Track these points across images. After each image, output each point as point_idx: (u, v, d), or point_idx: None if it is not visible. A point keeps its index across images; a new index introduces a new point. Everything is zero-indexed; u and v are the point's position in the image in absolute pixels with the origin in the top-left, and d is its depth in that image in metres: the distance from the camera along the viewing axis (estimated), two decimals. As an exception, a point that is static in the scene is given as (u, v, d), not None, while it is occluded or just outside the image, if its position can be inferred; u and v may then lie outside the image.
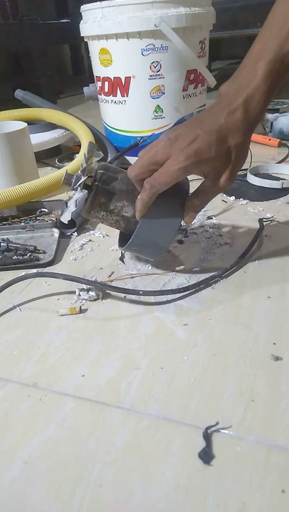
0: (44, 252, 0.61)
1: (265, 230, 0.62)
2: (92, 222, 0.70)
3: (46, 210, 0.74)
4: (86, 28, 0.86)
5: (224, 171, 0.45)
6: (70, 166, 0.79)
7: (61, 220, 0.50)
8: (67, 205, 0.53)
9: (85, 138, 0.90)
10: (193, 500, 0.29)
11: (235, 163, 0.45)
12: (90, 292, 0.51)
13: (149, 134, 0.86)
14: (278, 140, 1.00)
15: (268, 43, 0.43)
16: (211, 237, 0.62)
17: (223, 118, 0.43)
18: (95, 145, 0.49)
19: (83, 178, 0.47)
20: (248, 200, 0.73)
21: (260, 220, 0.63)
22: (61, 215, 0.52)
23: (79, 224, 0.67)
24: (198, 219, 0.68)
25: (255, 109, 0.43)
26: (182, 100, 0.88)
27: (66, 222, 0.50)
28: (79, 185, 0.47)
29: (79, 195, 0.48)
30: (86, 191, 0.49)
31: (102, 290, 0.51)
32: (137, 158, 0.48)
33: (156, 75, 0.84)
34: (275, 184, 0.76)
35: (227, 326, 0.45)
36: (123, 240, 0.54)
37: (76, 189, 0.48)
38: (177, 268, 0.55)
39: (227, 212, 0.69)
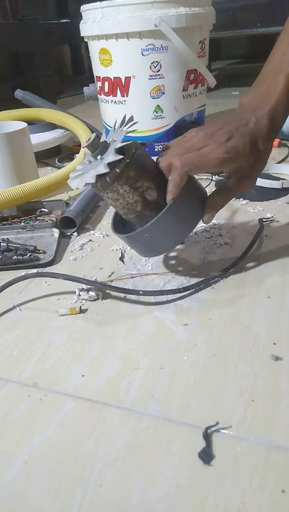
0: (44, 252, 0.61)
1: (265, 230, 0.62)
2: (92, 222, 0.70)
3: (46, 210, 0.74)
4: (86, 28, 0.86)
5: (249, 172, 0.47)
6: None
7: (85, 180, 0.44)
8: (90, 161, 0.47)
9: (85, 138, 0.90)
10: (193, 500, 0.29)
11: (258, 166, 0.47)
12: (90, 292, 0.51)
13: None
14: (278, 140, 1.00)
15: (286, 55, 0.45)
16: (211, 237, 0.62)
17: (252, 124, 0.45)
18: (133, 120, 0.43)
19: (120, 144, 0.43)
20: (248, 200, 0.73)
21: (260, 220, 0.63)
22: (82, 178, 0.44)
23: (79, 224, 0.67)
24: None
25: (278, 120, 0.46)
26: (182, 100, 0.88)
27: (89, 182, 0.44)
28: (116, 149, 0.43)
29: (112, 158, 0.42)
30: (120, 156, 0.43)
31: (102, 290, 0.51)
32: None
33: (156, 75, 0.84)
34: (275, 184, 0.76)
35: (227, 326, 0.45)
36: (121, 225, 0.50)
37: (97, 155, 0.45)
38: (177, 268, 0.55)
39: (227, 212, 0.69)
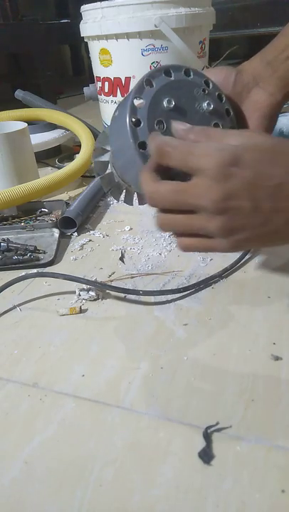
0: (44, 252, 0.61)
1: (265, 230, 0.62)
2: (92, 222, 0.70)
3: (46, 210, 0.74)
4: (86, 28, 0.86)
5: None
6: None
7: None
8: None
9: (85, 138, 0.90)
10: (193, 500, 0.29)
11: None
12: (90, 292, 0.51)
13: None
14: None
15: None
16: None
17: None
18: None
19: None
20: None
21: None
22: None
23: (79, 224, 0.67)
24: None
25: None
26: (182, 100, 0.88)
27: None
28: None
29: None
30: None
31: (102, 290, 0.51)
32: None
33: (156, 75, 0.84)
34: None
35: (227, 326, 0.45)
36: None
37: None
38: (177, 268, 0.55)
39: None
